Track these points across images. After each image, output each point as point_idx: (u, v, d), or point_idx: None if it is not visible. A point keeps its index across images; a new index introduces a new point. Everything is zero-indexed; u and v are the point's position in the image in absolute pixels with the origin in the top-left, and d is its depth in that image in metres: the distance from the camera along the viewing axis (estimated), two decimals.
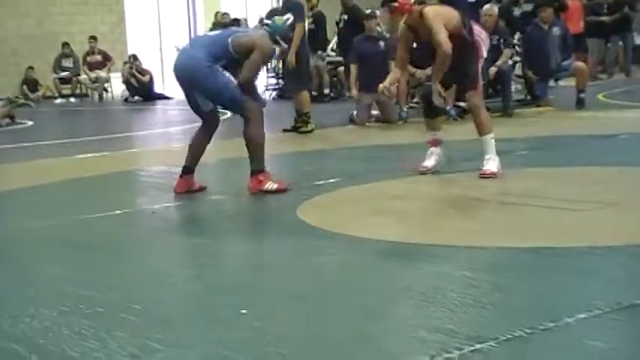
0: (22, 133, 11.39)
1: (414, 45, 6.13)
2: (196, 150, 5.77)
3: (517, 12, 11.19)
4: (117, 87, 17.58)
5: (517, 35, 10.41)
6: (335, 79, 14.11)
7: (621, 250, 3.76)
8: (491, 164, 5.72)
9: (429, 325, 2.84)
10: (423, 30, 5.69)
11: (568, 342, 2.68)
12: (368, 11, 10.41)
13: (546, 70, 10.34)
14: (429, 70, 6.14)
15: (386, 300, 3.25)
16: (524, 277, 3.46)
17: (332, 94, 14.01)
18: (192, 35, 19.97)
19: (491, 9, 9.76)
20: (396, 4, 5.71)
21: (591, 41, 14.85)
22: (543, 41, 10.28)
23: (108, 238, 4.66)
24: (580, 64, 10.54)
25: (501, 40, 9.88)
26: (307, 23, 9.82)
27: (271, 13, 8.51)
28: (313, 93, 10.67)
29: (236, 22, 15.49)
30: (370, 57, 9.87)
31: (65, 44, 17.68)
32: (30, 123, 12.34)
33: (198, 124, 5.87)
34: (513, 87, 10.57)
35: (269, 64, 6.48)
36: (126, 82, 16.97)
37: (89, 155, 8.15)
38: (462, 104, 8.74)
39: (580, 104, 10.01)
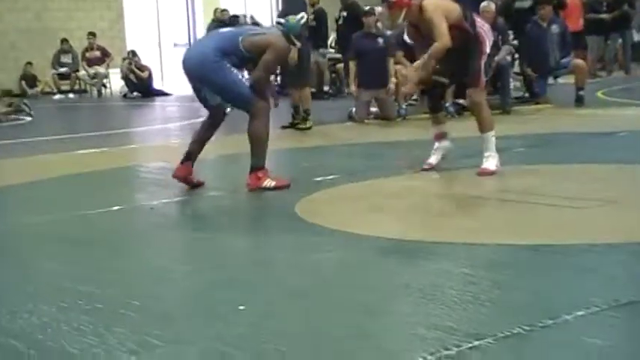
0: (20, 128, 11.39)
1: (414, 41, 6.13)
2: (200, 139, 5.81)
3: (518, 4, 11.17)
4: (116, 83, 17.58)
5: (511, 32, 10.39)
6: (334, 75, 14.12)
7: (620, 247, 3.76)
8: (491, 162, 5.72)
9: (427, 322, 2.84)
10: (423, 24, 5.67)
11: (567, 339, 2.68)
12: (367, 8, 10.41)
13: (545, 68, 10.35)
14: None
15: (385, 297, 3.25)
16: (523, 274, 3.47)
17: (331, 91, 14.02)
18: (191, 31, 19.96)
19: (488, 5, 9.76)
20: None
21: (590, 39, 14.86)
22: (542, 39, 10.28)
23: (107, 233, 4.65)
24: (579, 61, 10.54)
25: (499, 37, 9.88)
26: (309, 20, 9.81)
27: (284, 12, 8.49)
28: (312, 90, 10.67)
29: (235, 18, 15.50)
30: (369, 54, 9.87)
31: (64, 40, 17.68)
32: (29, 119, 12.33)
33: (198, 120, 5.88)
34: (512, 84, 10.58)
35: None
36: (125, 78, 16.97)
37: (88, 151, 8.15)
38: (460, 101, 8.76)
39: (579, 102, 10.01)
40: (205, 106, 5.80)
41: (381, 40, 10.01)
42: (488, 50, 5.93)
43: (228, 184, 5.97)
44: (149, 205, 5.35)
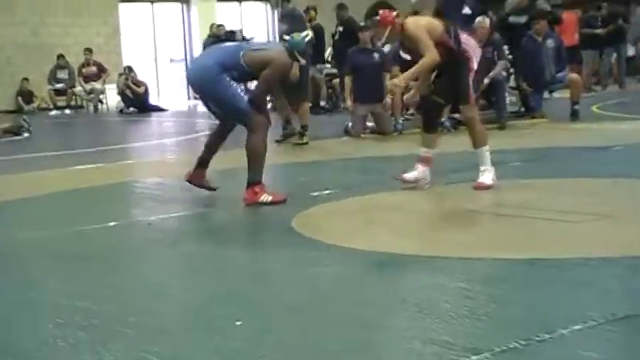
0: (17, 145, 11.39)
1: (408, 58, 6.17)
2: (211, 146, 5.98)
3: (513, 20, 11.23)
4: (112, 98, 17.60)
5: (507, 47, 10.43)
6: (330, 90, 14.16)
7: (616, 261, 3.77)
8: (487, 176, 5.73)
9: (424, 336, 2.85)
10: (409, 42, 5.76)
11: (563, 353, 2.68)
12: (362, 23, 10.44)
13: (541, 82, 10.39)
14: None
15: (381, 311, 3.26)
16: (519, 288, 3.47)
17: (327, 106, 14.05)
18: (188, 47, 20.00)
19: (483, 21, 9.80)
20: (377, 18, 5.78)
21: (585, 53, 14.93)
22: (537, 53, 10.32)
23: (104, 249, 4.65)
24: (574, 75, 10.58)
25: (495, 52, 9.92)
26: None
27: (287, 29, 8.52)
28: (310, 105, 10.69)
29: (231, 34, 15.54)
30: (365, 69, 9.91)
31: (60, 56, 17.70)
32: (25, 135, 12.33)
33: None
34: (508, 99, 10.61)
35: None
36: (121, 93, 16.99)
37: (84, 167, 8.15)
38: (456, 116, 8.78)
39: (574, 116, 10.04)
40: (215, 115, 5.99)
41: (376, 55, 10.05)
42: (475, 66, 5.94)
43: (225, 199, 5.97)
44: (146, 220, 5.35)
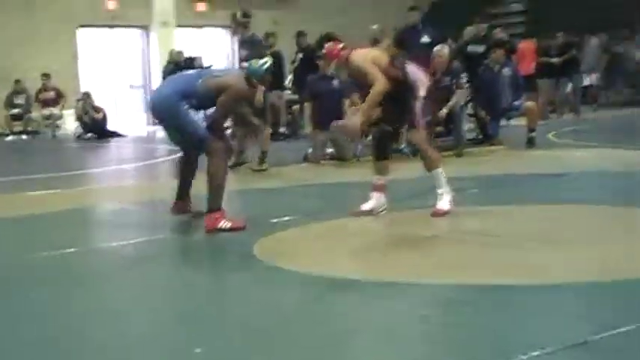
0: None
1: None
2: (182, 174, 6.03)
3: (471, 49, 11.38)
4: (70, 124, 17.44)
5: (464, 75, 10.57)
6: (290, 116, 14.19)
7: (573, 287, 3.82)
8: (444, 201, 5.76)
9: None
10: (355, 75, 5.81)
11: None
12: (322, 51, 10.49)
13: (497, 110, 10.52)
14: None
15: (340, 337, 3.25)
16: (477, 314, 3.49)
17: (287, 132, 14.08)
18: (147, 73, 19.93)
19: (442, 50, 9.92)
20: (323, 51, 5.83)
21: (542, 82, 15.16)
22: (494, 82, 10.47)
23: (61, 276, 4.59)
24: (530, 103, 10.73)
25: (454, 81, 10.03)
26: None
27: (247, 56, 8.55)
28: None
29: (191, 60, 15.52)
30: (324, 95, 9.96)
31: (17, 81, 17.53)
32: None
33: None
34: (466, 126, 10.72)
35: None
36: (79, 119, 16.86)
37: (41, 192, 8.05)
38: None
39: (530, 143, 10.17)
40: (177, 144, 6.08)
41: (336, 82, 10.09)
42: (423, 93, 5.99)
43: (186, 225, 5.94)
44: (104, 246, 5.30)
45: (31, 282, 4.46)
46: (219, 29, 20.95)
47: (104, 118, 16.87)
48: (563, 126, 13.17)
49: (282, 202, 7.11)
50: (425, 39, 10.32)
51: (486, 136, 10.77)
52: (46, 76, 17.63)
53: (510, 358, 2.81)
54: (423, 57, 9.59)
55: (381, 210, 5.90)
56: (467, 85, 10.39)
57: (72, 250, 5.17)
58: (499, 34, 13.34)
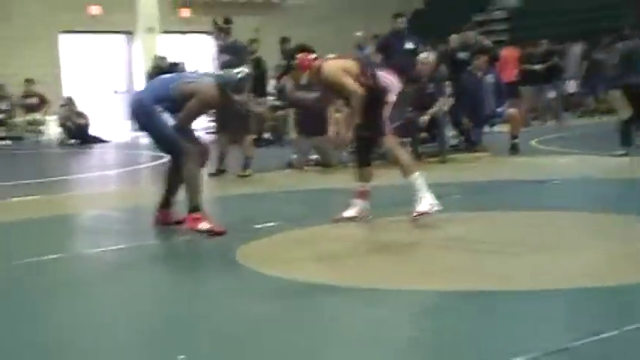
0: None
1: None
2: (168, 182, 5.97)
3: (462, 55, 11.42)
4: (53, 130, 17.37)
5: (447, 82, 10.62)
6: (273, 123, 14.18)
7: (559, 293, 3.83)
8: (424, 203, 5.75)
9: None
10: (327, 85, 5.82)
11: None
12: (295, 61, 10.49)
13: (480, 117, 10.56)
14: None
15: (322, 343, 3.25)
16: (461, 320, 3.50)
17: (271, 138, 14.07)
18: (130, 78, 19.89)
19: (427, 57, 9.95)
20: (296, 62, 5.84)
21: (525, 89, 15.23)
22: (477, 88, 10.51)
23: (43, 283, 4.57)
24: (513, 110, 10.78)
25: (437, 88, 10.05)
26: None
27: (227, 62, 8.55)
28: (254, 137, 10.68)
29: (174, 65, 15.50)
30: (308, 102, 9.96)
31: (0, 86, 17.44)
32: None
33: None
34: (450, 133, 10.75)
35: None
36: (62, 124, 16.78)
37: (23, 199, 8.01)
38: None
39: (514, 150, 10.21)
40: (159, 148, 6.10)
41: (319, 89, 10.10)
42: (393, 99, 6.00)
43: (168, 231, 5.92)
44: (87, 253, 5.27)
45: (15, 289, 4.44)
46: (204, 35, 20.93)
47: (87, 123, 16.81)
48: (546, 133, 13.23)
49: (265, 208, 7.10)
50: (408, 45, 10.36)
51: (470, 143, 10.80)
52: (29, 81, 17.55)
53: None
54: (406, 63, 9.64)
55: (363, 217, 5.91)
56: (449, 92, 10.43)
57: (55, 256, 5.14)
58: (484, 41, 13.40)
